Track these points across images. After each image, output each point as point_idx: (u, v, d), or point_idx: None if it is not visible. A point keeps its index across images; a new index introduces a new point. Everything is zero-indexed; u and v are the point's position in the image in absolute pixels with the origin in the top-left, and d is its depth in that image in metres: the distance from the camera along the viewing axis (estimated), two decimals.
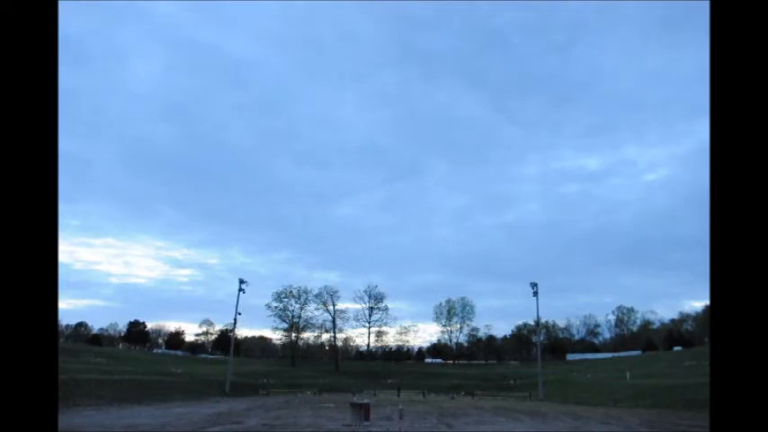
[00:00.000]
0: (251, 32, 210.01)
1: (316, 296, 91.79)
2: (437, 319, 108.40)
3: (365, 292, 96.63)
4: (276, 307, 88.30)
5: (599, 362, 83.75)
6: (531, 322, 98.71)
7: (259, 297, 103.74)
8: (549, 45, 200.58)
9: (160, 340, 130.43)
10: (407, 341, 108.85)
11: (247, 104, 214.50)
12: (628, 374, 50.29)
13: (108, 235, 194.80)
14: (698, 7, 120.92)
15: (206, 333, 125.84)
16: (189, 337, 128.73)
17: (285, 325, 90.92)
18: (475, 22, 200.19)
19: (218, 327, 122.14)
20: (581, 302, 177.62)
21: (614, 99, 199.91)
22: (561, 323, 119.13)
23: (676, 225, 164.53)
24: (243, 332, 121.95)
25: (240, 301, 50.47)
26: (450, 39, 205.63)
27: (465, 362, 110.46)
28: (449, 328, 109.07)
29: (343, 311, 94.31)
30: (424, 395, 53.37)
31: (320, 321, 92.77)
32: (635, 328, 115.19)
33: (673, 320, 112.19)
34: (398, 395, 51.19)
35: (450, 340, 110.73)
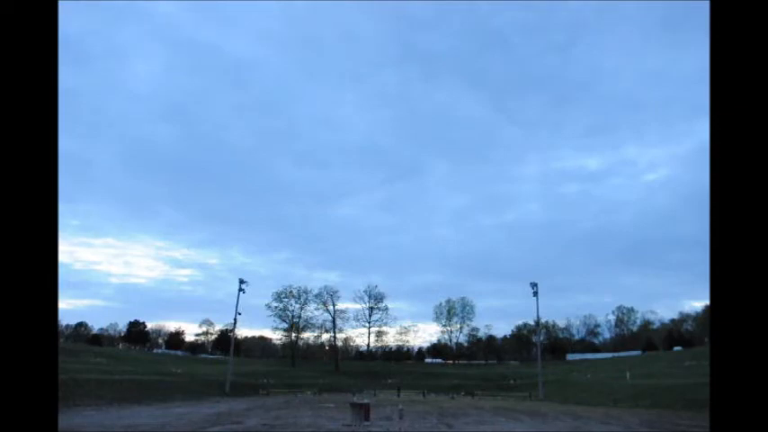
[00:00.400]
0: (251, 32, 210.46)
1: (316, 296, 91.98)
2: (437, 319, 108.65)
3: (365, 292, 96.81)
4: (276, 307, 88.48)
5: (599, 362, 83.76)
6: (531, 322, 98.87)
7: (259, 297, 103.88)
8: (549, 45, 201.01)
9: (160, 340, 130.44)
10: (407, 341, 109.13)
11: (247, 104, 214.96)
12: (628, 374, 50.27)
13: (108, 235, 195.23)
14: (698, 7, 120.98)
15: (206, 333, 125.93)
16: (189, 337, 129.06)
17: (285, 325, 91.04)
18: (475, 22, 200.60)
19: (218, 327, 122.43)
20: (581, 302, 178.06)
21: (614, 99, 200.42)
22: (561, 323, 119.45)
23: (676, 225, 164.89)
24: (243, 332, 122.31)
25: (240, 301, 50.60)
26: (450, 39, 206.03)
27: (465, 362, 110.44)
28: (449, 328, 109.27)
29: (343, 311, 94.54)
30: (423, 395, 53.36)
31: (320, 321, 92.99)
32: (635, 328, 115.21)
33: (673, 320, 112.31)
34: (398, 395, 51.18)
35: (450, 340, 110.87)
